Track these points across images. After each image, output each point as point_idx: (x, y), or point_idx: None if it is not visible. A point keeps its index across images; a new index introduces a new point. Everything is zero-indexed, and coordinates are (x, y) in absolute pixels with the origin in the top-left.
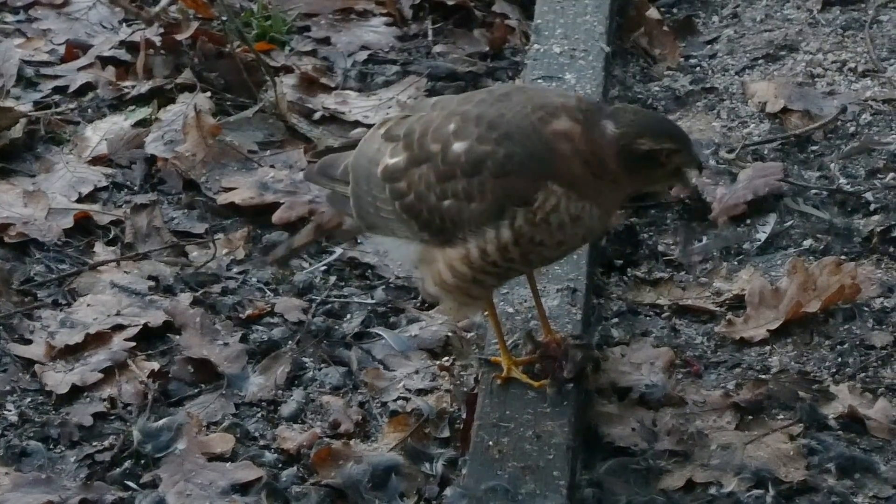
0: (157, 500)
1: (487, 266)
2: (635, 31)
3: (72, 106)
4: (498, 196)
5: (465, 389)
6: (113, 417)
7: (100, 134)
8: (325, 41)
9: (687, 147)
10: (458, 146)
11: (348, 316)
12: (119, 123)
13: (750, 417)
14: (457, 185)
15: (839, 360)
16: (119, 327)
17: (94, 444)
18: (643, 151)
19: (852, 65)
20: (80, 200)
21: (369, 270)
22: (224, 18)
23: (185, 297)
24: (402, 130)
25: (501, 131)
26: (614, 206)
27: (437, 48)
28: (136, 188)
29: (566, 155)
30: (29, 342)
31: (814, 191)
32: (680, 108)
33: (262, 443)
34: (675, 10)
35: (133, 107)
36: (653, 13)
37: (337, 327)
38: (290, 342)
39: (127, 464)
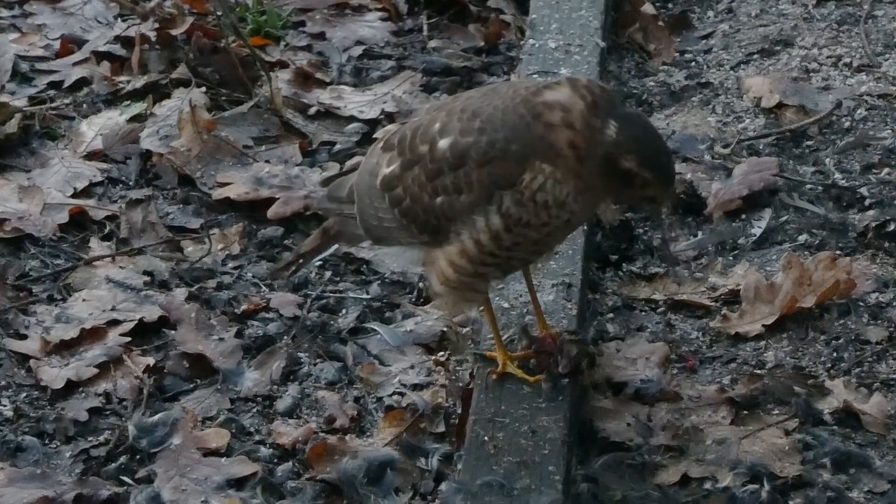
0: (152, 495)
1: (486, 257)
2: (630, 26)
3: (67, 101)
4: (485, 184)
5: (461, 384)
6: (108, 413)
7: (95, 129)
8: (320, 36)
9: (665, 184)
10: (443, 142)
11: (343, 311)
12: (114, 118)
13: (745, 412)
14: (445, 181)
15: (834, 355)
16: (114, 322)
17: (90, 439)
18: (624, 168)
19: (847, 60)
20: (75, 195)
21: (364, 266)
22: (219, 13)
23: (181, 293)
24: (396, 139)
25: (483, 117)
26: (599, 198)
27: (432, 43)
28: (131, 183)
29: (553, 124)
30: (24, 337)
31: (809, 186)
32: (675, 103)
33: (257, 438)
34: (670, 5)
35: (128, 102)
36: (648, 8)
37: (332, 322)
38: (285, 337)
39: (122, 459)
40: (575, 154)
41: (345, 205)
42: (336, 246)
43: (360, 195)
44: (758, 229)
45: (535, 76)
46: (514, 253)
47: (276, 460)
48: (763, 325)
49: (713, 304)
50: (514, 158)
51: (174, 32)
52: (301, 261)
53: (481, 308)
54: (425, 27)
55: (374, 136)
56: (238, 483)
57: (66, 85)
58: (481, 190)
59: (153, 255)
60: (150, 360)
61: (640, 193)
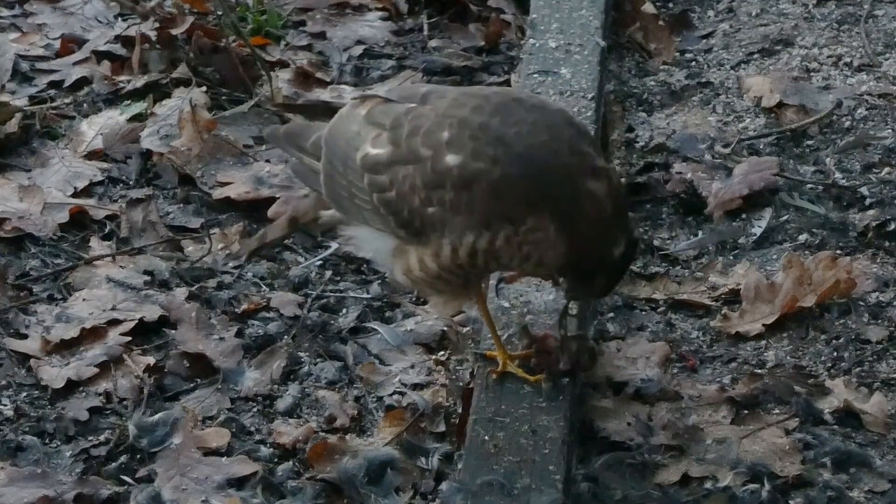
0: (152, 494)
1: (453, 267)
2: (631, 25)
3: (67, 100)
4: (486, 213)
5: (461, 384)
6: (108, 412)
7: (95, 128)
8: (321, 36)
9: (598, 298)
10: (451, 158)
11: (344, 310)
12: (114, 118)
13: (745, 412)
14: (444, 196)
15: (835, 354)
16: (115, 322)
17: (90, 438)
18: (594, 279)
19: (848, 59)
20: (75, 195)
21: (365, 265)
22: (219, 13)
23: (181, 292)
24: (388, 120)
25: (511, 150)
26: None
27: (433, 43)
28: (131, 183)
29: (588, 216)
30: (24, 337)
31: (809, 185)
32: (675, 103)
33: (257, 437)
34: (670, 5)
35: (128, 101)
36: (648, 8)
37: (332, 322)
38: (285, 337)
39: (122, 458)
40: (579, 248)
41: (306, 154)
42: (332, 247)
43: (331, 158)
44: (758, 229)
45: (535, 76)
46: (476, 271)
47: (276, 460)
48: (763, 325)
49: (713, 303)
50: (523, 199)
51: (174, 32)
52: (264, 248)
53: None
54: (426, 27)
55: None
56: (238, 482)
57: (66, 84)
58: (482, 217)
59: (153, 254)
60: (151, 360)
61: (582, 290)
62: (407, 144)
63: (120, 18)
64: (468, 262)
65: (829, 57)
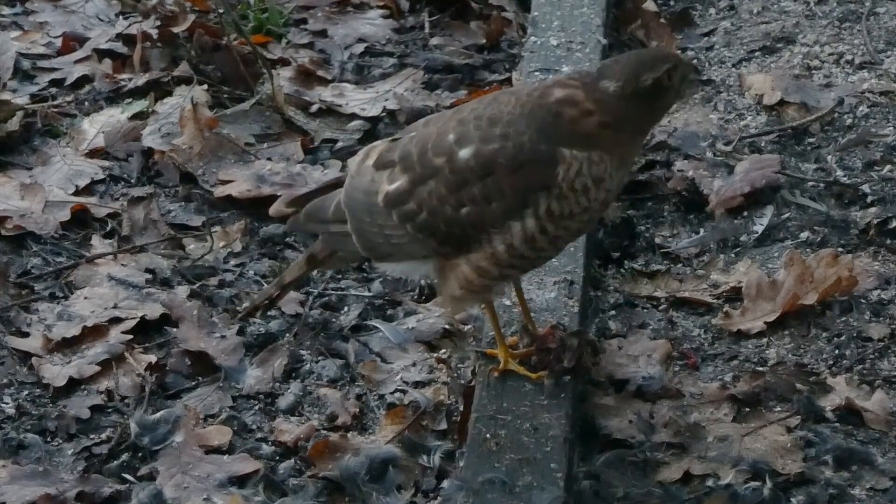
0: (154, 492)
1: (515, 260)
2: (632, 23)
3: (68, 99)
4: (519, 189)
5: (463, 382)
6: (110, 410)
7: (96, 127)
8: (322, 34)
9: (677, 58)
10: (464, 152)
11: (345, 308)
12: (116, 116)
13: (747, 410)
14: (472, 191)
15: (836, 352)
16: (116, 320)
17: (92, 436)
18: (649, 85)
19: (849, 57)
20: (76, 193)
21: (365, 263)
22: (221, 11)
23: (182, 290)
24: (395, 155)
25: (504, 122)
26: (632, 155)
27: (434, 40)
28: (132, 181)
29: (576, 118)
30: (26, 335)
31: (811, 183)
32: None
33: (259, 435)
34: (671, 2)
35: (130, 99)
36: (649, 5)
37: (334, 320)
38: (287, 335)
39: (124, 456)
40: (608, 128)
41: (331, 224)
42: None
43: (356, 215)
44: (760, 226)
45: (536, 74)
46: (545, 252)
47: (277, 458)
48: (765, 323)
49: (715, 301)
50: (544, 159)
51: (176, 30)
52: (283, 292)
53: (483, 306)
54: (427, 24)
55: (348, 162)
56: (240, 480)
57: (67, 83)
58: (515, 196)
59: (155, 252)
60: (152, 358)
61: (675, 85)
62: (420, 164)
63: (121, 16)
64: (528, 248)
65: (830, 54)
